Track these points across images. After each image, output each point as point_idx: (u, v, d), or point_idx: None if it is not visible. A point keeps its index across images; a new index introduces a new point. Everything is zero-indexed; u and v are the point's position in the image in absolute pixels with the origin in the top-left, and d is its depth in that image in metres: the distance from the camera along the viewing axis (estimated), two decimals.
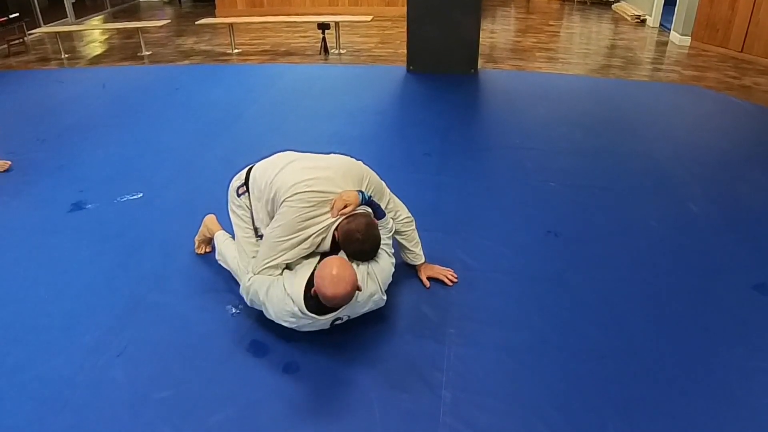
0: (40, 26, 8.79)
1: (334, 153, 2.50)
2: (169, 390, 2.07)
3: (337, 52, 7.38)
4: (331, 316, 2.09)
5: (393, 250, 2.38)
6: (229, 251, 2.58)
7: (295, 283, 2.10)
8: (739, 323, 2.38)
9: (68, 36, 8.74)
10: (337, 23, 7.47)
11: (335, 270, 1.94)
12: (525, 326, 2.37)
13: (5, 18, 7.85)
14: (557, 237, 3.02)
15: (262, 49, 7.65)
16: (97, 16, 10.79)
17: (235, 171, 2.58)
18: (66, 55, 7.55)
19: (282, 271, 2.23)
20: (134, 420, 1.95)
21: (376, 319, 2.30)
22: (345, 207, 2.17)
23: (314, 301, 2.04)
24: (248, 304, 2.33)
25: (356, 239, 2.14)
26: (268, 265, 2.20)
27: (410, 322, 2.39)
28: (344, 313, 2.13)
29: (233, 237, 2.60)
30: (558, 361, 2.19)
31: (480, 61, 6.31)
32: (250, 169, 2.49)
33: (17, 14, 8.09)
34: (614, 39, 7.99)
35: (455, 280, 2.63)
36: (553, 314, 2.44)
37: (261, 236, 2.41)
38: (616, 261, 2.80)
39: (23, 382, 2.12)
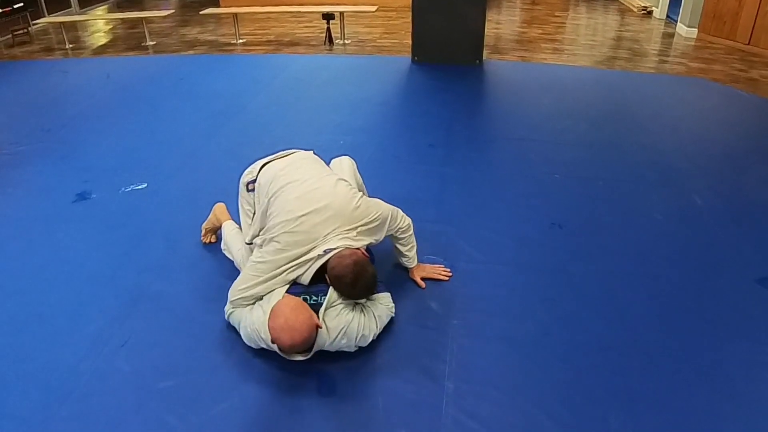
0: (44, 16, 8.77)
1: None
2: (173, 379, 2.08)
3: (341, 42, 7.35)
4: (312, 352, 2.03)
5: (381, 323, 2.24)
6: (234, 243, 2.59)
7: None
8: (743, 317, 2.37)
9: (72, 26, 8.72)
10: (341, 13, 7.44)
11: (284, 319, 1.88)
12: (528, 318, 2.37)
13: (9, 8, 7.84)
14: (561, 229, 3.01)
15: (266, 40, 7.63)
16: (101, 6, 10.77)
17: (240, 161, 2.58)
18: (70, 45, 7.54)
19: (254, 302, 2.17)
20: (139, 409, 1.96)
21: None
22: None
23: None
24: None
25: (345, 283, 2.05)
26: (241, 295, 2.16)
27: (414, 313, 2.40)
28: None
29: (241, 228, 2.60)
30: (561, 353, 2.19)
31: (485, 52, 6.27)
32: (263, 165, 2.42)
33: (21, 4, 8.08)
34: (620, 30, 7.93)
35: (450, 274, 2.62)
36: (557, 306, 2.44)
37: (249, 243, 2.39)
38: (620, 253, 2.80)
39: (28, 372, 2.13)
